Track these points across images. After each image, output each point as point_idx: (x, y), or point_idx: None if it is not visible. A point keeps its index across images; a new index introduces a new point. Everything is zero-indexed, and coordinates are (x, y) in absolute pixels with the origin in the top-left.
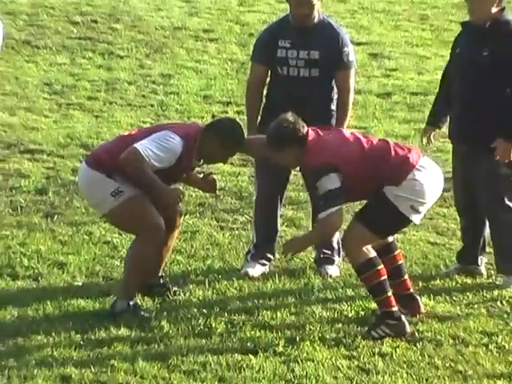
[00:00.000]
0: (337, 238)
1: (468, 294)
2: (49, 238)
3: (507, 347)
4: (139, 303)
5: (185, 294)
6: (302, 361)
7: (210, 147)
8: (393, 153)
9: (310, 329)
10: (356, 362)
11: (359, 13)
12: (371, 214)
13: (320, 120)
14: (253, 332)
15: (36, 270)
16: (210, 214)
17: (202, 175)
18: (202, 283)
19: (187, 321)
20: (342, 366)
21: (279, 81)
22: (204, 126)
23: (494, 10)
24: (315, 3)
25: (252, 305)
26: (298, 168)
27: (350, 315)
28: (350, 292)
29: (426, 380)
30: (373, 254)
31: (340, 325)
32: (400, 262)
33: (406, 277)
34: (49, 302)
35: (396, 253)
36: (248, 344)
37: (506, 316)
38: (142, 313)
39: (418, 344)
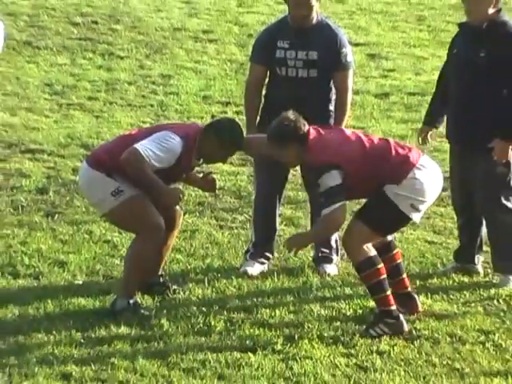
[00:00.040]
0: (335, 237)
1: (465, 292)
2: (49, 237)
3: (504, 345)
4: (139, 302)
5: (184, 293)
6: (300, 359)
7: (209, 147)
8: (393, 152)
9: (309, 327)
10: (354, 360)
11: (357, 14)
12: (372, 213)
13: (318, 120)
14: (252, 330)
15: (37, 269)
16: (209, 213)
17: (201, 175)
18: (202, 282)
19: (187, 319)
20: (340, 364)
21: (278, 81)
22: (203, 127)
23: (491, 11)
24: (314, 4)
25: (251, 303)
26: (297, 167)
27: (348, 313)
28: (348, 290)
29: (424, 378)
30: (373, 252)
31: (338, 323)
32: (399, 261)
33: (405, 276)
34: (49, 301)
35: (395, 252)
36: (247, 342)
37: (502, 314)
38: (142, 311)
39: (415, 342)
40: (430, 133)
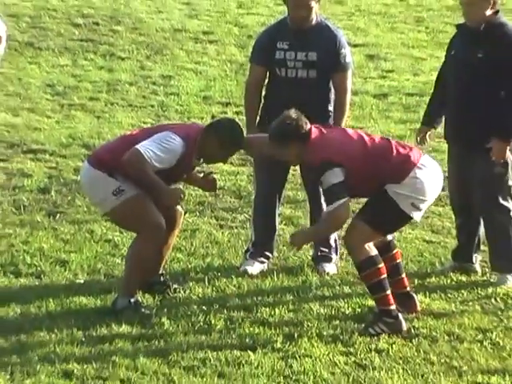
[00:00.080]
0: (334, 236)
1: (463, 291)
2: (51, 236)
3: (501, 343)
4: (140, 300)
5: (185, 292)
6: (299, 357)
7: (209, 147)
8: (395, 151)
9: (308, 325)
10: (353, 358)
11: (356, 15)
12: (373, 212)
13: (318, 120)
14: (251, 329)
15: (38, 268)
16: (209, 212)
17: (202, 174)
18: (202, 281)
19: (187, 317)
20: (339, 362)
21: (277, 82)
22: (204, 127)
23: (489, 12)
24: (313, 6)
25: (251, 302)
26: (296, 167)
27: (347, 312)
28: (347, 289)
29: (422, 376)
30: (374, 252)
31: (337, 321)
32: (398, 261)
33: (404, 275)
34: (51, 300)
35: (395, 251)
36: (247, 340)
37: (500, 313)
38: (143, 310)
39: (413, 340)
40: (429, 133)
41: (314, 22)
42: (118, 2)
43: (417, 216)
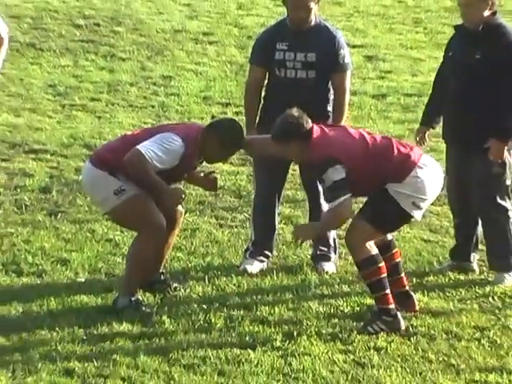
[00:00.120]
0: (333, 235)
1: (461, 289)
2: (52, 236)
3: (499, 341)
4: (141, 299)
5: (185, 290)
6: (299, 355)
7: (210, 147)
8: (396, 151)
9: (307, 324)
10: (352, 356)
11: (355, 16)
12: (374, 211)
13: (317, 121)
14: (251, 327)
15: (40, 267)
16: (209, 212)
17: (202, 174)
18: (202, 279)
19: (187, 316)
20: (338, 360)
21: (277, 82)
22: (204, 127)
23: (487, 13)
24: (312, 7)
25: (250, 300)
26: (296, 167)
27: (345, 311)
28: (345, 288)
29: (420, 373)
30: (375, 250)
31: (336, 320)
32: (398, 260)
33: (403, 274)
34: (52, 298)
35: (394, 251)
36: (247, 339)
37: (497, 311)
38: (144, 308)
39: (412, 338)
40: (428, 133)
41: (313, 23)
42: (118, 3)
43: (417, 215)
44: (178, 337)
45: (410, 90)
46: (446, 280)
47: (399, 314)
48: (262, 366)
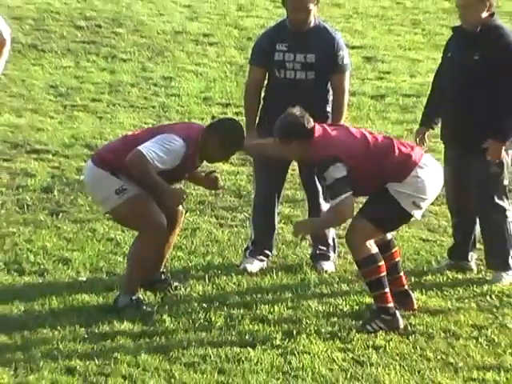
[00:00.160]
0: (332, 234)
1: (459, 288)
2: (54, 235)
3: (496, 340)
4: (141, 298)
5: (185, 289)
6: (298, 353)
7: (210, 147)
8: (397, 150)
9: (307, 322)
10: (351, 355)
11: (354, 17)
12: (374, 210)
13: (316, 121)
14: (251, 326)
15: (42, 266)
16: (209, 211)
17: (203, 173)
18: (202, 278)
19: (188, 315)
20: (337, 359)
21: (276, 83)
22: (205, 127)
23: (485, 15)
24: (311, 8)
25: (250, 299)
26: (295, 167)
27: (345, 309)
28: (345, 287)
29: (419, 372)
30: (375, 249)
31: (335, 319)
32: (397, 259)
33: (402, 274)
34: (54, 297)
35: (394, 250)
36: (246, 337)
37: (495, 310)
38: (145, 307)
39: (410, 337)
40: (427, 133)
41: (312, 24)
42: (119, 4)
43: (417, 214)
44: (179, 335)
45: (409, 90)
46: (444, 279)
47: (398, 313)
48: (261, 364)
